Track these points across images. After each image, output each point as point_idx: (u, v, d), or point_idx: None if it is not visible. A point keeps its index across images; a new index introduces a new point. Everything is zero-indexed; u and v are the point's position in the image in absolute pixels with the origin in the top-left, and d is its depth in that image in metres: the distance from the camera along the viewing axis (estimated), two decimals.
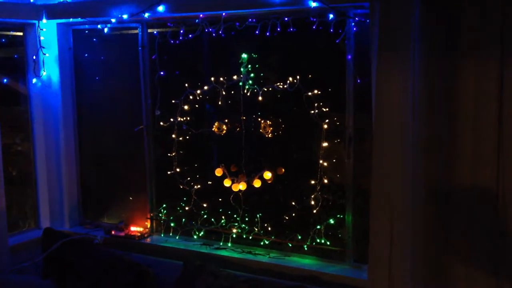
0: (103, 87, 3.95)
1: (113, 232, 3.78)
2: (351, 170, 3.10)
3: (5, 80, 3.80)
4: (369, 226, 2.68)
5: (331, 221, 3.21)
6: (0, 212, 3.47)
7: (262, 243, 3.40)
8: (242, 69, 3.30)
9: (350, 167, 3.10)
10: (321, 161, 3.18)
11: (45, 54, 3.80)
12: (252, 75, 3.30)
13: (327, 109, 3.14)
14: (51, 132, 3.92)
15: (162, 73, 3.58)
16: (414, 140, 2.56)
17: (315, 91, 3.13)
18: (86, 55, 3.94)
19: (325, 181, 3.19)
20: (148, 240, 3.69)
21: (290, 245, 3.33)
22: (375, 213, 2.65)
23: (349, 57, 3.00)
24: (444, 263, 2.59)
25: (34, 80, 3.82)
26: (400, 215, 2.60)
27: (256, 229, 3.42)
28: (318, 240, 3.24)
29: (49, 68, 3.86)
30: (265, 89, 3.27)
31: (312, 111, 3.15)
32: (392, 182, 2.59)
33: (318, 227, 3.23)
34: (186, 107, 3.53)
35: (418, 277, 2.61)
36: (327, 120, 3.15)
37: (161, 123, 3.63)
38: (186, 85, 3.50)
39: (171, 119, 3.58)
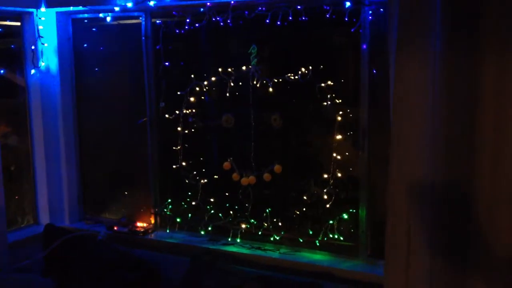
0: (104, 78, 3.83)
1: (115, 228, 3.68)
2: (365, 164, 3.02)
3: (2, 71, 3.66)
4: (386, 221, 2.59)
5: (344, 216, 3.12)
6: None
7: (272, 239, 3.31)
8: (251, 60, 3.20)
9: (364, 160, 3.02)
10: (334, 154, 3.10)
11: (43, 44, 3.67)
12: (261, 66, 3.19)
13: (340, 101, 3.05)
14: (50, 124, 3.80)
15: (166, 63, 3.47)
16: (433, 136, 2.48)
17: (328, 82, 3.04)
18: (86, 45, 3.81)
19: (338, 174, 3.11)
20: (153, 236, 3.59)
21: (301, 240, 3.24)
22: (392, 208, 2.57)
23: (364, 47, 2.91)
24: (463, 259, 2.52)
25: (32, 71, 3.69)
26: (418, 211, 2.52)
27: (265, 224, 3.33)
28: (330, 235, 3.16)
29: (48, 59, 3.74)
30: (276, 80, 3.16)
31: (325, 103, 3.06)
32: (411, 178, 2.51)
33: (331, 221, 3.15)
34: (192, 99, 3.42)
35: (436, 273, 2.54)
36: (340, 112, 3.06)
37: (166, 116, 3.51)
38: (192, 76, 3.39)
39: (176, 112, 3.46)
